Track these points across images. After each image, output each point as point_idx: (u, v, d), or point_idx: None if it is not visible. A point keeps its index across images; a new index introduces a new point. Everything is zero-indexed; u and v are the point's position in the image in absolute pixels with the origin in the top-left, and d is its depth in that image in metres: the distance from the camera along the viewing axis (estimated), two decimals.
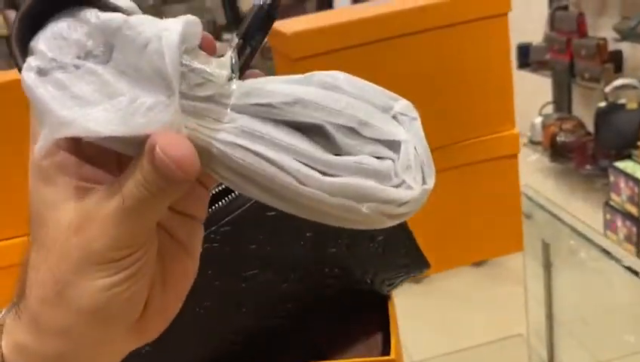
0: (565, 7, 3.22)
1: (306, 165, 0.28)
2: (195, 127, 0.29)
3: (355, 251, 0.52)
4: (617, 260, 1.15)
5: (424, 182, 0.30)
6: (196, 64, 0.29)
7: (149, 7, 4.96)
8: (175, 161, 0.27)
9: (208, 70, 0.30)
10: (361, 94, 0.30)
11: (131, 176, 0.29)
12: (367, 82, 0.31)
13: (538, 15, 3.30)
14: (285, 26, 0.85)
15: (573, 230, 1.07)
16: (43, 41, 0.29)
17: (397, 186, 0.29)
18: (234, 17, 5.14)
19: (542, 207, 1.13)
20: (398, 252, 0.55)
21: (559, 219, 1.09)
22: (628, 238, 2.66)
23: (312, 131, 0.29)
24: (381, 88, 0.32)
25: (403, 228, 0.56)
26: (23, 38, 0.30)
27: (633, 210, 2.59)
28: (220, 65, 0.30)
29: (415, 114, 0.31)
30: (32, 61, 0.29)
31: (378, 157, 0.29)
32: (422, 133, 0.31)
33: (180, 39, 0.28)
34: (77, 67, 0.29)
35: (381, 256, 0.53)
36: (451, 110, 0.90)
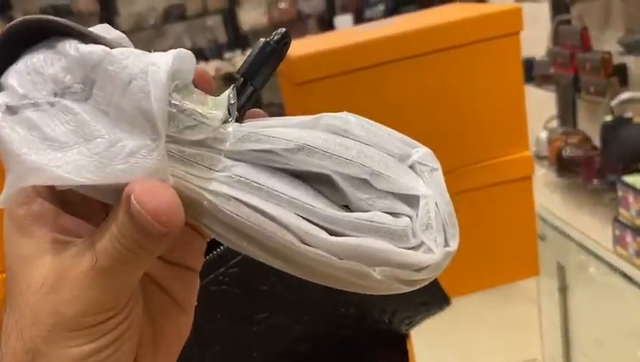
0: (568, 22, 3.22)
1: (310, 221, 0.25)
2: (184, 176, 0.26)
3: None
4: (630, 278, 1.12)
5: (446, 243, 0.26)
6: (187, 104, 0.26)
7: (149, 26, 4.99)
8: (151, 212, 0.24)
9: (200, 111, 0.26)
10: (374, 140, 0.27)
11: (106, 229, 0.25)
12: (381, 126, 0.28)
13: (541, 29, 3.30)
14: (290, 48, 0.82)
15: (589, 251, 1.04)
16: (15, 76, 0.26)
17: (415, 248, 0.26)
18: (235, 36, 5.16)
19: (556, 229, 1.09)
20: (418, 289, 0.52)
21: (574, 241, 1.06)
22: (638, 254, 2.62)
23: (318, 182, 0.26)
24: (398, 133, 0.28)
25: None
26: None
27: None
28: (215, 105, 0.27)
29: (436, 164, 0.28)
30: (2, 98, 0.26)
31: (393, 214, 0.26)
32: (444, 186, 0.28)
33: (169, 75, 0.25)
34: (51, 105, 0.26)
35: (400, 294, 0.50)
36: (463, 132, 0.88)
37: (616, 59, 2.88)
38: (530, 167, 0.90)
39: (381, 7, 4.87)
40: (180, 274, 0.30)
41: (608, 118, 2.81)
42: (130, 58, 0.26)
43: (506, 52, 0.85)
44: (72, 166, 0.24)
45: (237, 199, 0.25)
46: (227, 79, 3.96)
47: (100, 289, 0.25)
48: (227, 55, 4.63)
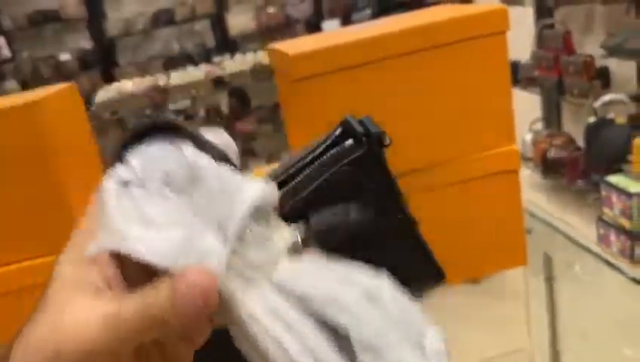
0: (552, 26, 3.29)
1: None
2: (231, 284, 0.30)
3: None
4: (615, 270, 1.16)
5: None
6: (258, 229, 0.31)
7: (138, 31, 5.00)
8: (196, 287, 0.28)
9: (267, 240, 0.32)
10: (400, 316, 0.31)
11: (144, 292, 0.29)
12: (411, 303, 0.32)
13: (526, 33, 3.37)
14: (287, 47, 0.85)
15: (574, 242, 1.08)
16: (137, 157, 0.32)
17: None
18: (223, 40, 5.19)
19: (543, 221, 1.14)
20: (414, 265, 0.55)
21: (560, 233, 1.10)
22: (622, 252, 2.68)
23: (339, 332, 0.29)
24: (421, 315, 0.32)
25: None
26: (126, 145, 0.33)
27: (626, 223, 2.62)
28: (281, 237, 0.32)
29: (444, 348, 0.30)
30: (120, 171, 0.32)
31: None
32: None
33: (253, 203, 0.31)
34: (156, 189, 0.31)
35: (395, 271, 0.53)
36: (452, 126, 0.91)
37: (599, 62, 2.95)
38: (516, 160, 0.94)
39: (368, 12, 4.93)
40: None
41: (591, 119, 2.87)
42: (228, 177, 0.32)
43: (494, 50, 0.89)
44: (154, 247, 0.29)
45: (263, 325, 0.29)
46: (217, 83, 3.98)
47: (106, 335, 0.29)
48: (216, 59, 4.66)
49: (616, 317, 1.79)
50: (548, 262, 1.16)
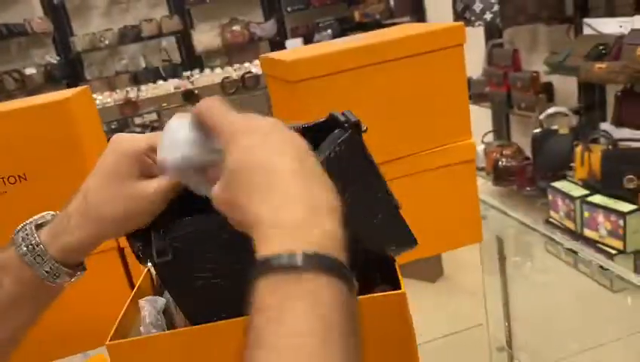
0: (501, 45, 3.52)
1: None
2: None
3: None
4: (561, 245, 1.33)
5: None
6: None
7: (105, 46, 5.06)
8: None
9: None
10: None
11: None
12: None
13: (477, 52, 3.59)
14: (282, 56, 1.02)
15: (522, 224, 1.26)
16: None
17: None
18: (189, 57, 5.30)
19: (494, 207, 1.32)
20: (388, 231, 0.67)
21: (510, 216, 1.28)
22: (566, 251, 2.91)
23: None
24: None
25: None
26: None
27: (571, 225, 2.84)
28: None
29: None
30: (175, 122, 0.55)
31: None
32: None
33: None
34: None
35: (371, 236, 0.64)
36: (419, 123, 1.09)
37: (544, 78, 3.19)
38: (473, 151, 1.12)
39: (329, 32, 5.13)
40: None
41: (537, 130, 3.10)
42: None
43: (453, 60, 1.07)
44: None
45: None
46: (186, 96, 4.10)
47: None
48: (185, 74, 4.77)
49: (563, 289, 1.98)
50: (500, 243, 1.35)
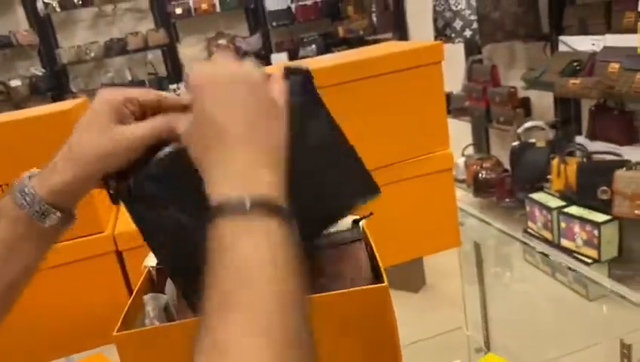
0: (480, 61, 3.62)
1: None
2: None
3: None
4: (538, 252, 1.41)
5: None
6: None
7: (90, 59, 5.09)
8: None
9: None
10: None
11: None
12: None
13: (457, 68, 3.70)
14: (271, 71, 1.08)
15: (499, 231, 1.33)
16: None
17: None
18: (174, 69, 5.35)
19: (471, 215, 1.39)
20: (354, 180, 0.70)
21: (487, 223, 1.35)
22: (544, 260, 3.00)
23: None
24: None
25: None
26: None
27: (548, 235, 2.93)
28: None
29: None
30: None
31: None
32: None
33: None
34: None
35: (337, 186, 0.68)
36: (400, 134, 1.16)
37: (521, 93, 3.29)
38: (450, 161, 1.20)
39: (314, 47, 5.22)
40: None
41: (515, 143, 3.20)
42: None
43: (432, 76, 1.15)
44: None
45: None
46: None
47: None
48: (172, 86, 4.81)
49: (539, 292, 2.06)
50: (477, 248, 1.42)
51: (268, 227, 0.47)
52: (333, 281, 0.74)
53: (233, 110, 0.54)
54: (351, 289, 0.70)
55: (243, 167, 0.51)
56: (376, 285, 0.70)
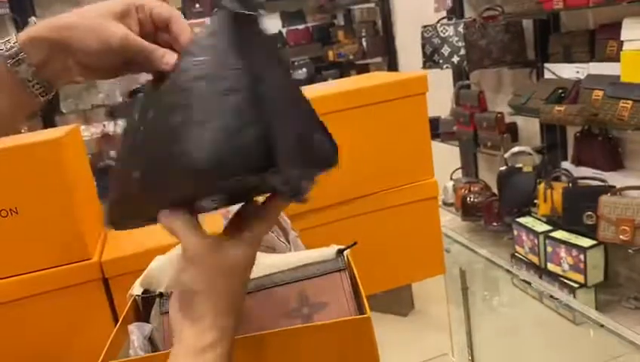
0: (468, 86, 3.67)
1: None
2: None
3: None
4: (523, 281, 1.43)
5: None
6: None
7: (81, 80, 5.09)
8: None
9: None
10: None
11: None
12: None
13: (445, 93, 3.74)
14: None
15: (485, 258, 1.35)
16: None
17: None
18: None
19: (458, 242, 1.41)
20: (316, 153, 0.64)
21: (472, 251, 1.37)
22: (531, 286, 3.01)
23: None
24: None
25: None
26: None
27: (535, 259, 2.95)
28: None
29: None
30: None
31: None
32: None
33: None
34: None
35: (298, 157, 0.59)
36: (386, 163, 1.19)
37: (508, 119, 3.33)
38: (435, 189, 1.22)
39: (304, 70, 5.27)
40: None
41: (503, 168, 3.23)
42: None
43: (417, 106, 1.17)
44: None
45: None
46: None
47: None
48: None
49: (525, 317, 2.07)
50: (462, 275, 1.43)
51: None
52: (316, 311, 0.75)
53: (203, 288, 0.61)
54: (334, 319, 0.71)
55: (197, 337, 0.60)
56: (359, 316, 0.71)
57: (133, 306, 0.83)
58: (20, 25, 4.88)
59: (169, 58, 0.60)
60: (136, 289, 0.83)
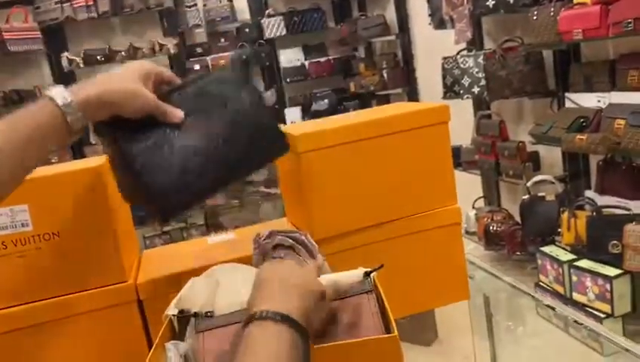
0: (489, 116, 3.69)
1: None
2: None
3: None
4: (546, 305, 1.42)
5: None
6: None
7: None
8: None
9: None
10: None
11: None
12: None
13: (466, 123, 3.77)
14: (290, 130, 1.15)
15: (509, 284, 1.36)
16: None
17: None
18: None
19: (481, 268, 1.42)
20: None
21: (497, 277, 1.38)
22: (556, 315, 2.97)
23: None
24: None
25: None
26: None
27: (560, 289, 2.92)
28: None
29: None
30: None
31: None
32: None
33: None
34: None
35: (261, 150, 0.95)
36: (410, 190, 1.22)
37: (530, 148, 3.34)
38: (458, 215, 1.24)
39: (326, 101, 5.35)
40: None
41: (525, 197, 3.23)
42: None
43: (439, 135, 1.21)
44: None
45: None
46: None
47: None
48: None
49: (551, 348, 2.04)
50: (487, 301, 1.44)
51: (285, 332, 0.67)
52: (345, 330, 0.78)
53: (281, 277, 0.77)
54: (363, 338, 0.74)
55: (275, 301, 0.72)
56: (387, 335, 0.74)
57: (169, 326, 0.87)
58: (53, 60, 5.07)
59: (179, 114, 0.90)
60: (172, 310, 0.87)
